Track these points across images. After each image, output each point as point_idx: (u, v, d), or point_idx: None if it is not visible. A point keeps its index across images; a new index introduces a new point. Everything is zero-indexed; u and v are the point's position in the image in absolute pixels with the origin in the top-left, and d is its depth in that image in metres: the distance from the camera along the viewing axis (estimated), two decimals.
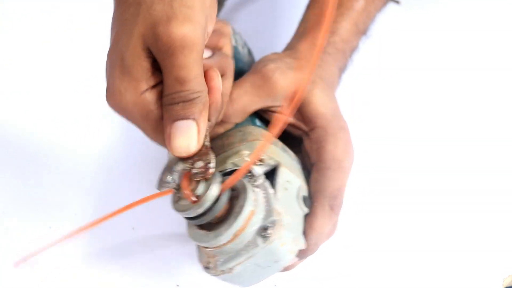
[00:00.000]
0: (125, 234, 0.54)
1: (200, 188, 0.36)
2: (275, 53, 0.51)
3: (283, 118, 0.36)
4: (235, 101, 0.45)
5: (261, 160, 0.42)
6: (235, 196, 0.38)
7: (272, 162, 0.42)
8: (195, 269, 0.51)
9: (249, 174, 0.40)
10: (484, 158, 0.57)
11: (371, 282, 0.50)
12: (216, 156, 0.42)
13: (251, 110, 0.45)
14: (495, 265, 0.50)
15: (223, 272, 0.39)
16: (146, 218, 0.54)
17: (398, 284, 0.50)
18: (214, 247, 0.38)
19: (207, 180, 0.36)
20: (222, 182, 0.37)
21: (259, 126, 0.46)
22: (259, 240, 0.37)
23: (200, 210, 0.36)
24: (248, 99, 0.45)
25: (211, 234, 0.37)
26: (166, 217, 0.54)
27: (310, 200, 0.45)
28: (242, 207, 0.37)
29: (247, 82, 0.45)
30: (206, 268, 0.39)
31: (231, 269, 0.38)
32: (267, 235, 0.37)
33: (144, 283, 0.51)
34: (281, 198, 0.41)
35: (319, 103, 0.46)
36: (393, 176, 0.55)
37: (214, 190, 0.36)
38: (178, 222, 0.54)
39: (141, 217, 0.54)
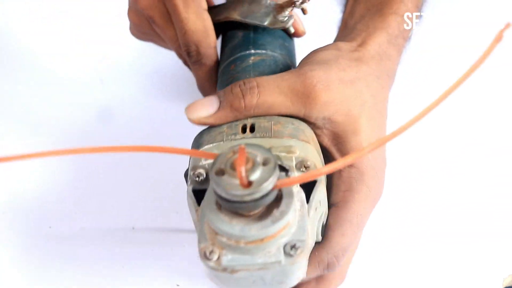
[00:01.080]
0: (125, 234, 0.53)
1: (256, 174, 0.31)
2: (336, 48, 0.42)
3: (345, 162, 0.31)
4: (266, 95, 0.38)
5: (306, 167, 0.37)
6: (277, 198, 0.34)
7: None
8: (195, 269, 0.51)
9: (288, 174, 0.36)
10: (483, 159, 0.57)
11: (371, 282, 0.50)
12: (259, 136, 0.38)
13: (277, 112, 0.39)
14: (495, 265, 0.50)
15: (224, 270, 0.33)
16: (146, 218, 0.54)
17: (398, 284, 0.50)
18: (231, 240, 0.33)
19: (266, 165, 0.32)
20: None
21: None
22: (282, 256, 0.33)
23: (247, 198, 0.31)
24: (280, 101, 0.38)
25: (238, 225, 0.32)
26: (166, 217, 0.54)
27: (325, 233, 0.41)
28: (283, 214, 0.33)
29: (286, 82, 0.38)
30: (205, 256, 0.34)
31: (235, 271, 0.33)
32: (293, 255, 0.33)
33: (144, 283, 0.51)
34: (311, 217, 0.36)
35: (364, 137, 0.40)
36: (391, 173, 0.55)
37: (270, 183, 0.31)
38: (178, 222, 0.54)
39: (141, 217, 0.54)
